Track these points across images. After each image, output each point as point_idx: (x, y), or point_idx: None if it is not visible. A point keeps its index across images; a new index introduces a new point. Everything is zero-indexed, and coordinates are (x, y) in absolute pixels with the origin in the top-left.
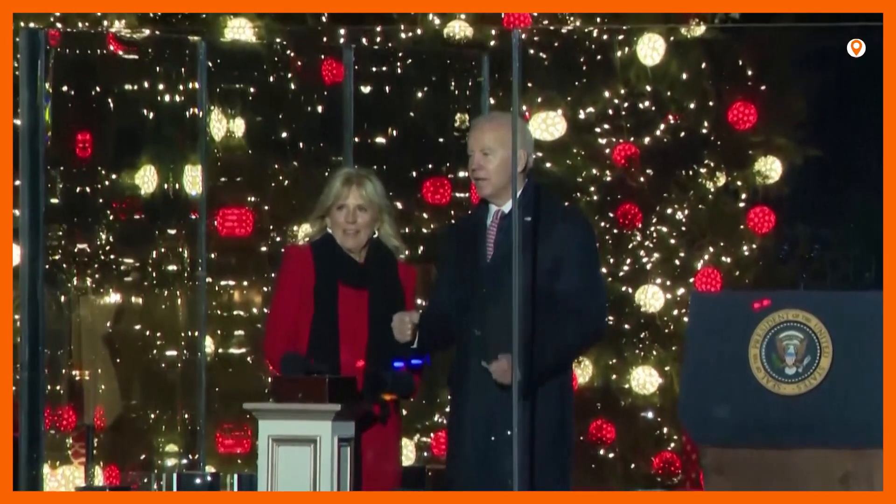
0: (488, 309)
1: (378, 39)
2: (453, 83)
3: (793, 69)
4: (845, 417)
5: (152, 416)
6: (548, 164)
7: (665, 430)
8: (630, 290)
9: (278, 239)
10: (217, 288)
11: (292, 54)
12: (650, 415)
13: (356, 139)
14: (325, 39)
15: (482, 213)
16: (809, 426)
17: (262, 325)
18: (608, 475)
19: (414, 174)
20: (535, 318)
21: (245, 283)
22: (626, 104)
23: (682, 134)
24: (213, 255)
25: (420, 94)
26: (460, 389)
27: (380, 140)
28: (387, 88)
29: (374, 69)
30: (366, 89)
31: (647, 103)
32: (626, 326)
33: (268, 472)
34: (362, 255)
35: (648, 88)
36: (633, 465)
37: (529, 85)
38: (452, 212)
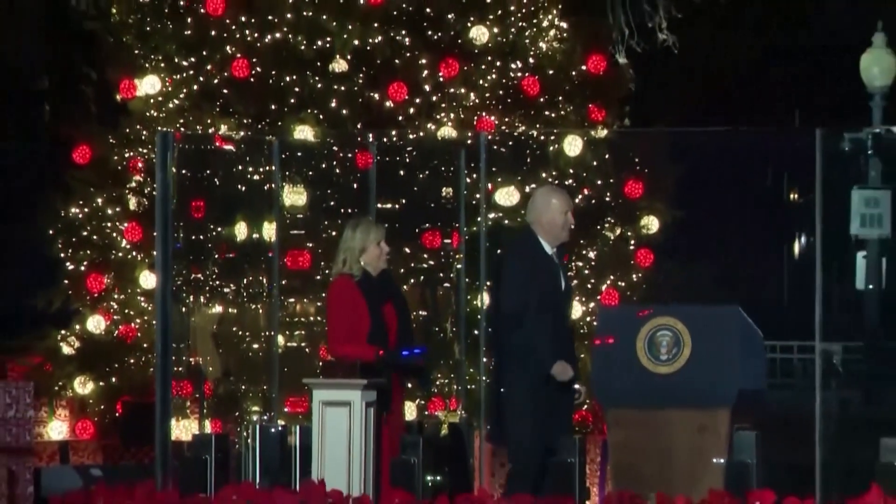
0: (564, 317)
1: (394, 139)
2: (442, 168)
3: (666, 158)
4: (699, 387)
5: (243, 387)
6: (506, 221)
7: (582, 394)
8: None
9: (327, 272)
10: (285, 303)
11: (336, 148)
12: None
13: (378, 205)
14: (359, 139)
15: (541, 247)
16: (676, 394)
17: (317, 328)
18: None
19: (416, 229)
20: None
21: (305, 300)
22: (556, 182)
23: (593, 201)
24: (283, 282)
25: (421, 176)
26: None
27: (394, 206)
28: (400, 171)
29: (388, 159)
30: (385, 172)
31: (570, 181)
32: None
33: (319, 425)
34: (377, 276)
35: (571, 171)
36: None
37: (493, 169)
38: (441, 252)
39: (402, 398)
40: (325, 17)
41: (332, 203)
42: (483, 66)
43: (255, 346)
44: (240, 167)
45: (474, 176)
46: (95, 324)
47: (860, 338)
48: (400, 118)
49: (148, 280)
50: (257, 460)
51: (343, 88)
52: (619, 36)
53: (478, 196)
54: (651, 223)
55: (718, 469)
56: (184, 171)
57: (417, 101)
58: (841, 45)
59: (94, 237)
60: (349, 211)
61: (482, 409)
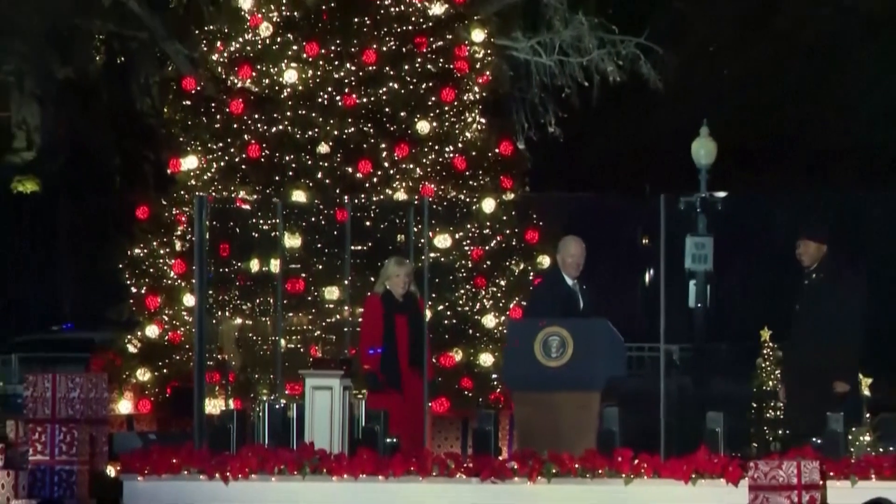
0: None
1: (363, 201)
2: (397, 221)
3: (555, 215)
4: (579, 376)
5: (256, 376)
6: (442, 259)
7: (496, 382)
8: (479, 317)
9: (316, 294)
10: (286, 316)
11: (322, 207)
12: (491, 375)
13: (352, 247)
14: (338, 201)
15: (563, 281)
16: (563, 381)
17: (308, 334)
18: (471, 403)
19: (379, 264)
20: None
21: (300, 314)
22: (477, 231)
23: (504, 245)
24: (284, 301)
25: (382, 226)
26: None
27: (363, 248)
28: (367, 223)
29: (359, 214)
30: (357, 224)
31: (487, 230)
32: (478, 335)
33: (309, 403)
34: (401, 296)
35: (488, 224)
36: (480, 399)
37: (433, 222)
38: None
39: None
40: (314, 114)
41: (319, 245)
42: (425, 149)
43: (265, 347)
44: (253, 220)
45: (419, 226)
46: (152, 331)
47: (691, 341)
48: (367, 186)
49: (189, 300)
50: (266, 428)
51: (326, 164)
52: (521, 129)
53: (422, 241)
54: (544, 260)
55: (593, 434)
56: (214, 223)
57: (379, 173)
58: (677, 135)
59: (151, 270)
60: (332, 251)
61: (426, 391)
